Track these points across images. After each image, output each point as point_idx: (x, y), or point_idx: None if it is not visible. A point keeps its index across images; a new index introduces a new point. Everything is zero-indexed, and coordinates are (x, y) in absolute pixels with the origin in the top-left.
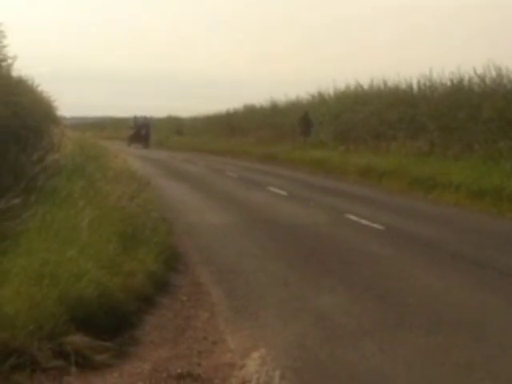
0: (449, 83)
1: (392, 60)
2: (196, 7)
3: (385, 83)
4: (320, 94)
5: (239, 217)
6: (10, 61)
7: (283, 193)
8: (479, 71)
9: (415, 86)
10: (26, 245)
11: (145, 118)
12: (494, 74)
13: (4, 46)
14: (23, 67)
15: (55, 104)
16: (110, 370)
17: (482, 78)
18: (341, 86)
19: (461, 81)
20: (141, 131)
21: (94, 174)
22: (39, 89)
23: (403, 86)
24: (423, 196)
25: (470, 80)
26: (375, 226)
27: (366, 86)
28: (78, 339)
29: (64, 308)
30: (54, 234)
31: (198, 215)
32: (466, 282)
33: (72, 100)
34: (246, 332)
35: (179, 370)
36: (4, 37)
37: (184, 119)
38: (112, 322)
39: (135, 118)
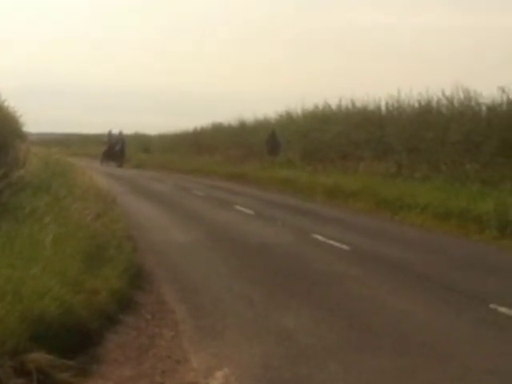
0: (417, 104)
1: (361, 80)
2: (166, 24)
3: (353, 103)
4: (288, 113)
5: (205, 235)
6: None
7: (250, 212)
8: (447, 93)
9: (383, 107)
10: None
11: (119, 134)
12: (462, 96)
13: None
14: None
15: (21, 119)
16: None
17: (450, 100)
18: (309, 105)
19: (429, 102)
20: (114, 147)
21: (59, 191)
22: (5, 104)
23: (371, 106)
24: (390, 217)
25: (438, 102)
26: (342, 246)
27: (334, 106)
28: (40, 357)
29: (26, 325)
30: (18, 251)
31: (164, 233)
32: (432, 304)
33: (39, 115)
34: (211, 351)
35: None
36: None
37: (151, 136)
38: (75, 340)
39: (109, 134)
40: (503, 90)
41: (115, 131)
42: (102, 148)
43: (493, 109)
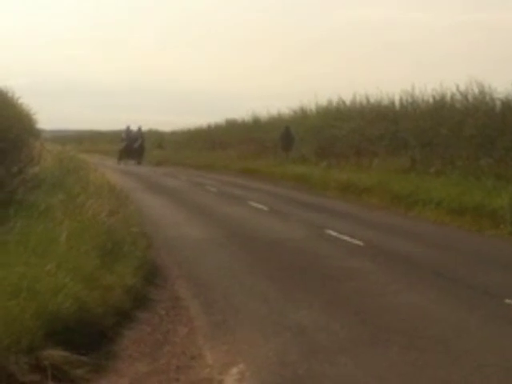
0: (431, 100)
1: (375, 76)
2: (178, 21)
3: (367, 99)
4: (302, 110)
5: (219, 231)
6: None
7: (264, 207)
8: (462, 88)
9: (397, 103)
10: (3, 258)
11: (138, 130)
12: (476, 91)
13: None
14: (2, 79)
15: (35, 117)
16: None
17: (465, 95)
18: (323, 101)
19: (443, 97)
20: (133, 144)
21: (73, 188)
22: (19, 101)
23: (385, 102)
24: (404, 212)
25: (452, 97)
26: (355, 241)
27: (348, 102)
28: (55, 353)
29: (41, 322)
30: (33, 248)
31: (178, 229)
32: (445, 300)
33: (52, 112)
34: (225, 347)
35: None
36: None
37: (165, 133)
38: (90, 337)
39: (127, 130)
40: None
41: (134, 127)
42: (120, 145)
43: (507, 103)
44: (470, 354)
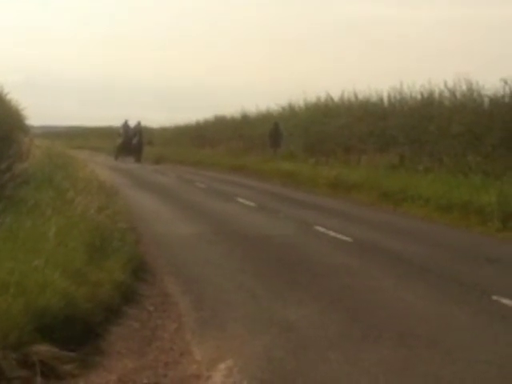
0: (419, 96)
1: (363, 72)
2: (167, 17)
3: (355, 96)
4: (290, 106)
5: (208, 228)
6: None
7: (252, 204)
8: (450, 85)
9: (386, 99)
10: None
11: (137, 125)
12: (464, 88)
13: None
14: None
15: (25, 113)
16: (76, 381)
17: (453, 92)
18: (311, 98)
19: (431, 94)
20: (131, 140)
21: (62, 184)
22: (8, 97)
23: (374, 98)
24: (392, 209)
25: (440, 94)
26: (344, 238)
27: (336, 99)
28: (43, 349)
29: (30, 317)
30: (21, 243)
31: (167, 226)
32: (434, 296)
33: (44, 109)
34: (213, 343)
35: (145, 381)
36: None
37: (154, 129)
38: (78, 332)
39: (125, 125)
40: (506, 82)
41: (132, 122)
42: (117, 141)
43: (495, 101)
44: (460, 350)
